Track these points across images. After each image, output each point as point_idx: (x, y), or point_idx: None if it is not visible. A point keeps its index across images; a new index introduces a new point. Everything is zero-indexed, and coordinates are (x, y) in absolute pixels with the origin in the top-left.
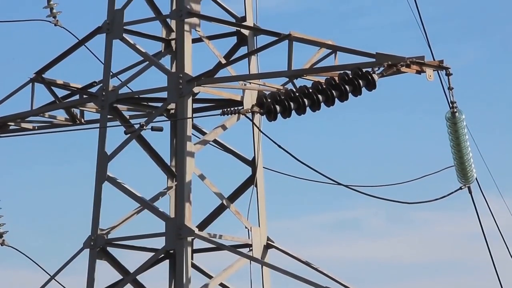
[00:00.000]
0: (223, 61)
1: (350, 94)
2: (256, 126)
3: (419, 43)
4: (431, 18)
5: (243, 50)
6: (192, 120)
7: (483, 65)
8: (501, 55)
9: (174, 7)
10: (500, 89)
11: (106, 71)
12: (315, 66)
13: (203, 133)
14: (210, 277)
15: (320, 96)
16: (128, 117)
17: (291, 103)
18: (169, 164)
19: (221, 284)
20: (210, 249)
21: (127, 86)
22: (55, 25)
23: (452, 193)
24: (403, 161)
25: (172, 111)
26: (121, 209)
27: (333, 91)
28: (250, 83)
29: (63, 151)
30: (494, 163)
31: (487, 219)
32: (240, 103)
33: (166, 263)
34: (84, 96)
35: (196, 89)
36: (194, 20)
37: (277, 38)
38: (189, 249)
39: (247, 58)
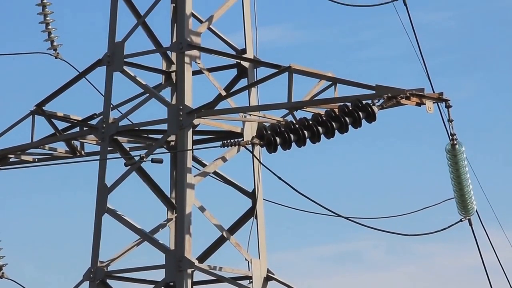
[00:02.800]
0: (223, 93)
1: (350, 126)
2: (256, 158)
3: (419, 75)
4: (432, 51)
5: (243, 82)
6: (192, 152)
7: (484, 98)
8: (501, 88)
9: (174, 40)
10: (500, 122)
11: (106, 103)
12: (315, 98)
13: (203, 165)
14: None
15: (320, 128)
16: (128, 149)
17: (291, 135)
18: (169, 196)
19: None
20: (210, 281)
21: (127, 118)
22: (56, 57)
23: (452, 225)
24: (403, 193)
25: (172, 143)
26: (121, 241)
27: (333, 123)
28: (250, 115)
29: (63, 183)
30: (494, 196)
31: (487, 251)
32: (240, 135)
33: None
34: (85, 128)
35: (196, 121)
36: (195, 52)
37: (277, 70)
38: (189, 282)
39: (247, 90)
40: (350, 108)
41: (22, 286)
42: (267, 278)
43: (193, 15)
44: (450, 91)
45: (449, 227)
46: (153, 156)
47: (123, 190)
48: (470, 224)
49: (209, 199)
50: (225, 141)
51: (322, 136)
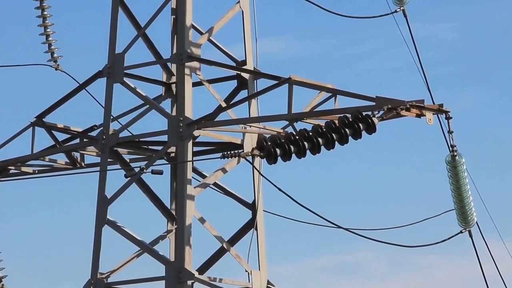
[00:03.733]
0: (224, 105)
1: (350, 137)
2: (256, 169)
3: (419, 87)
4: (432, 63)
5: (243, 94)
6: (192, 163)
7: (483, 109)
8: (501, 99)
9: (174, 51)
10: (500, 133)
11: (106, 114)
12: (315, 110)
13: (203, 176)
14: None
15: (320, 139)
16: (128, 160)
17: (291, 146)
18: (169, 208)
19: None
20: None
21: (127, 130)
22: (56, 69)
23: (452, 236)
24: (403, 204)
25: (172, 155)
26: (121, 252)
27: (333, 134)
28: (250, 126)
29: (63, 195)
30: (494, 207)
31: (488, 263)
32: (240, 146)
33: None
34: (85, 140)
35: (196, 133)
36: (195, 64)
37: (277, 82)
38: None
39: (247, 102)
40: (350, 120)
41: None
42: None
43: (193, 26)
44: (450, 102)
45: (449, 238)
46: (153, 168)
47: (123, 202)
48: (470, 236)
49: (209, 211)
50: (225, 153)
51: (322, 147)
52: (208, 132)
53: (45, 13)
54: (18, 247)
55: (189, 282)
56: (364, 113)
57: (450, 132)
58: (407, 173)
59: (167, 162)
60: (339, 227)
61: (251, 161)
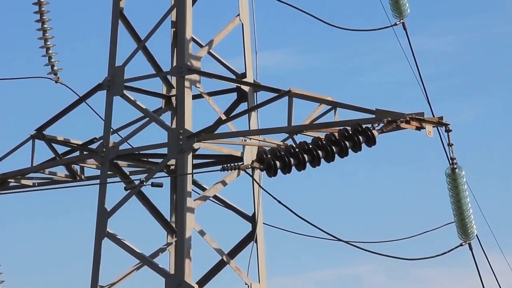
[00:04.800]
0: (223, 117)
1: (350, 150)
2: (256, 182)
3: (419, 100)
4: (432, 76)
5: (243, 106)
6: (192, 176)
7: (483, 122)
8: (501, 112)
9: (174, 64)
10: (500, 146)
11: (106, 127)
12: (315, 122)
13: (203, 189)
14: None
15: (320, 152)
16: (128, 173)
17: (291, 159)
18: (169, 220)
19: None
20: None
21: (127, 142)
22: (56, 82)
23: (452, 249)
24: (403, 217)
25: (172, 167)
26: (120, 265)
27: (333, 147)
28: (250, 139)
29: (63, 207)
30: (494, 220)
31: (488, 276)
32: (240, 159)
33: None
34: (85, 153)
35: (196, 145)
36: (195, 76)
37: (277, 94)
38: None
39: (247, 114)
40: (350, 132)
41: None
42: None
43: (193, 39)
44: (450, 115)
45: (449, 251)
46: (153, 180)
47: (123, 214)
48: (471, 249)
49: (209, 223)
50: (225, 165)
51: (322, 160)
52: (208, 145)
53: (46, 26)
54: (18, 260)
55: None
56: (364, 126)
57: (450, 144)
58: (407, 186)
59: (167, 175)
60: (339, 240)
61: (251, 174)
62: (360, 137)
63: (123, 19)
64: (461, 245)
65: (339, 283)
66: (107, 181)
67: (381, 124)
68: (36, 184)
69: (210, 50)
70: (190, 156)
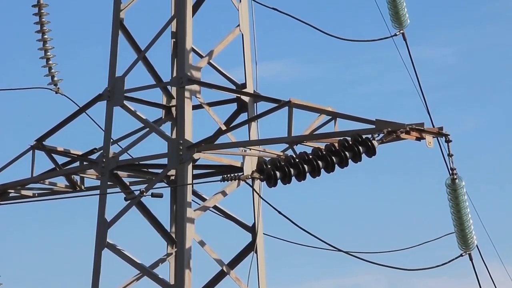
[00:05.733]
0: (223, 128)
1: (350, 160)
2: (256, 192)
3: (419, 110)
4: (432, 86)
5: (243, 117)
6: (192, 186)
7: (483, 132)
8: (501, 123)
9: (174, 74)
10: (500, 156)
11: (106, 138)
12: (315, 133)
13: (203, 199)
14: None
15: (320, 162)
16: (128, 183)
17: (291, 169)
18: (169, 231)
19: None
20: None
21: (127, 153)
22: (56, 92)
23: (452, 260)
24: (403, 227)
25: (172, 178)
26: (120, 276)
27: (333, 157)
28: (250, 149)
29: (63, 218)
30: (495, 230)
31: (488, 286)
32: (240, 169)
33: None
34: (85, 163)
35: (196, 156)
36: (195, 87)
37: (277, 105)
38: None
39: (247, 125)
40: (350, 143)
41: None
42: None
43: (193, 50)
44: (450, 126)
45: (449, 262)
46: (153, 191)
47: (123, 225)
48: (471, 259)
49: (209, 234)
50: (225, 176)
51: (322, 170)
52: (208, 155)
53: (46, 36)
54: (18, 270)
55: None
56: (364, 136)
57: (450, 155)
58: (407, 196)
59: (167, 185)
60: (339, 250)
61: (251, 184)
62: (360, 147)
63: (123, 29)
64: (461, 255)
65: None
66: (107, 191)
67: (381, 135)
68: (36, 194)
69: (210, 61)
70: (190, 167)
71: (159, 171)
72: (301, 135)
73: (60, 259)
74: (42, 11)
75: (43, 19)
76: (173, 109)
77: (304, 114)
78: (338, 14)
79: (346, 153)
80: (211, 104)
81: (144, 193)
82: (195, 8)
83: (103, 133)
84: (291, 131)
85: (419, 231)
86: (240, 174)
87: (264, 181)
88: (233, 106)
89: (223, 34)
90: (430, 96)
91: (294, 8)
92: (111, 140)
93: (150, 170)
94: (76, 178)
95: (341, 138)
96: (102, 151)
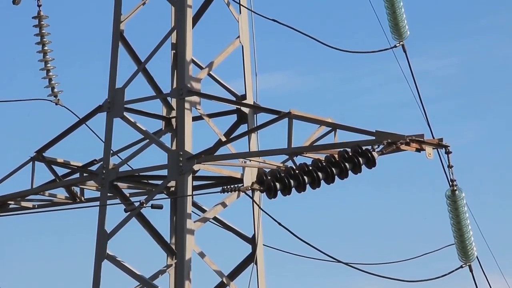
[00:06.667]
0: (223, 139)
1: (350, 172)
2: (256, 204)
3: (419, 122)
4: (432, 98)
5: (243, 128)
6: (192, 198)
7: (483, 144)
8: (501, 134)
9: (174, 86)
10: (500, 168)
11: (106, 149)
12: (315, 144)
13: (203, 211)
14: None
15: (320, 174)
16: (128, 195)
17: (291, 181)
18: (169, 242)
19: None
20: None
21: (127, 164)
22: (56, 104)
23: (453, 271)
24: (403, 238)
25: (172, 189)
26: (120, 287)
27: (333, 169)
28: (250, 160)
29: (63, 229)
30: (495, 242)
31: None
32: (240, 180)
33: None
34: (84, 174)
35: (196, 167)
36: (195, 98)
37: (277, 116)
38: None
39: (247, 136)
40: (350, 154)
41: None
42: None
43: (193, 61)
44: (450, 137)
45: (449, 273)
46: (153, 202)
47: (123, 236)
48: (471, 271)
49: (209, 245)
50: (225, 187)
51: (322, 181)
52: (208, 166)
53: (46, 48)
54: (18, 282)
55: None
56: (364, 148)
57: (450, 166)
58: (407, 208)
59: (167, 197)
60: (339, 261)
61: (251, 196)
62: (360, 158)
63: (123, 41)
64: (461, 267)
65: None
66: (107, 203)
67: (381, 146)
68: (36, 206)
69: (210, 72)
70: (190, 178)
71: (159, 182)
72: (301, 146)
73: (60, 270)
74: (42, 22)
75: (43, 31)
76: (173, 120)
77: (304, 126)
78: (338, 25)
79: (346, 164)
80: (211, 116)
81: (144, 205)
82: (195, 20)
83: (103, 145)
84: (291, 143)
85: (419, 242)
86: (240, 185)
87: (264, 193)
88: (233, 118)
89: (223, 46)
90: (430, 108)
91: (294, 19)
92: (111, 152)
93: (150, 181)
94: (76, 189)
95: (341, 149)
96: (102, 162)
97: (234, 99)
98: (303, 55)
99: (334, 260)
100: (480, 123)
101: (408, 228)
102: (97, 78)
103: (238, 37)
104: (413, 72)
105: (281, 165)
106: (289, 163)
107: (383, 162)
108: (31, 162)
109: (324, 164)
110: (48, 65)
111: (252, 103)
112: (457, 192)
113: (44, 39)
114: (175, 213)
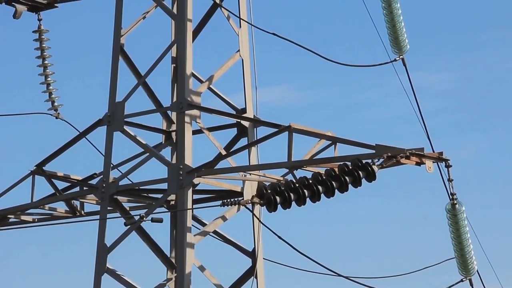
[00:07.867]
0: (223, 152)
1: (350, 185)
2: (256, 217)
3: (419, 136)
4: (432, 112)
5: (243, 142)
6: (192, 211)
7: (484, 158)
8: (501, 148)
9: (174, 99)
10: (500, 182)
11: (106, 163)
12: (315, 158)
13: (203, 224)
14: None
15: (320, 187)
16: (128, 208)
17: (291, 194)
18: (169, 256)
19: None
20: None
21: (127, 178)
22: (57, 118)
23: (453, 285)
24: (404, 252)
25: (172, 202)
26: None
27: (333, 182)
28: (250, 174)
29: (63, 243)
30: (495, 256)
31: None
32: (240, 194)
33: None
34: (85, 188)
35: (196, 180)
36: (195, 112)
37: (277, 130)
38: None
39: (247, 149)
40: (350, 167)
41: None
42: None
43: (193, 75)
44: (450, 151)
45: (450, 287)
46: (153, 216)
47: (123, 250)
48: (471, 284)
49: (209, 259)
50: (225, 200)
51: (322, 195)
52: (208, 180)
53: (46, 62)
54: None
55: None
56: (364, 161)
57: (450, 180)
58: (407, 221)
59: (167, 210)
60: (340, 275)
61: (251, 209)
62: (360, 172)
63: (123, 55)
64: (461, 280)
65: None
66: (107, 216)
67: (381, 160)
68: (36, 220)
69: (210, 86)
70: (190, 192)
71: (159, 196)
72: (301, 160)
73: (60, 284)
74: (43, 36)
75: (43, 45)
76: (173, 134)
77: (304, 139)
78: (338, 39)
79: (346, 178)
80: (211, 129)
81: (144, 218)
82: (195, 34)
83: (103, 158)
84: (291, 156)
85: (420, 256)
86: (240, 199)
87: (264, 206)
88: (233, 131)
89: (223, 59)
90: (430, 122)
91: (294, 33)
92: (111, 165)
93: (150, 195)
94: (76, 203)
95: (341, 163)
96: (102, 176)
97: (234, 112)
98: (303, 68)
99: (335, 274)
100: (480, 137)
101: (409, 242)
102: (97, 91)
103: (238, 50)
104: (413, 86)
105: (281, 178)
106: (289, 177)
107: (383, 175)
108: (31, 176)
109: (324, 177)
110: (49, 79)
111: (252, 117)
112: (457, 205)
113: (45, 53)
114: (175, 227)
